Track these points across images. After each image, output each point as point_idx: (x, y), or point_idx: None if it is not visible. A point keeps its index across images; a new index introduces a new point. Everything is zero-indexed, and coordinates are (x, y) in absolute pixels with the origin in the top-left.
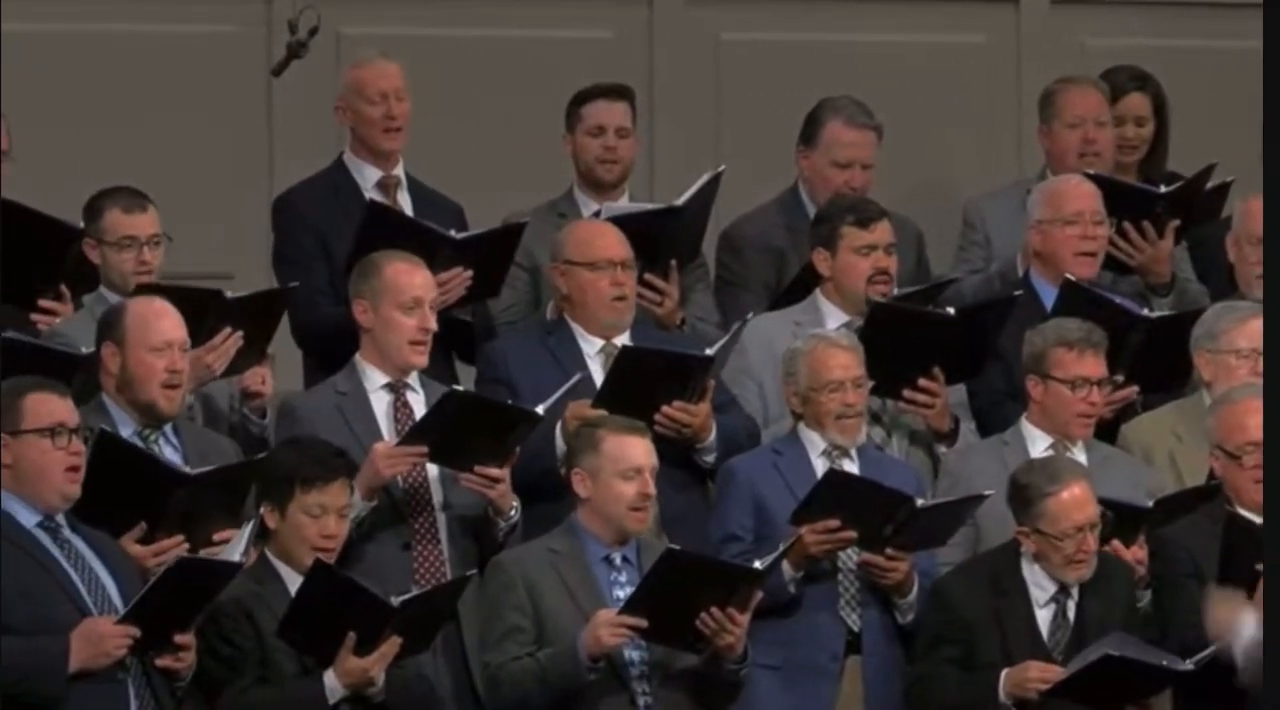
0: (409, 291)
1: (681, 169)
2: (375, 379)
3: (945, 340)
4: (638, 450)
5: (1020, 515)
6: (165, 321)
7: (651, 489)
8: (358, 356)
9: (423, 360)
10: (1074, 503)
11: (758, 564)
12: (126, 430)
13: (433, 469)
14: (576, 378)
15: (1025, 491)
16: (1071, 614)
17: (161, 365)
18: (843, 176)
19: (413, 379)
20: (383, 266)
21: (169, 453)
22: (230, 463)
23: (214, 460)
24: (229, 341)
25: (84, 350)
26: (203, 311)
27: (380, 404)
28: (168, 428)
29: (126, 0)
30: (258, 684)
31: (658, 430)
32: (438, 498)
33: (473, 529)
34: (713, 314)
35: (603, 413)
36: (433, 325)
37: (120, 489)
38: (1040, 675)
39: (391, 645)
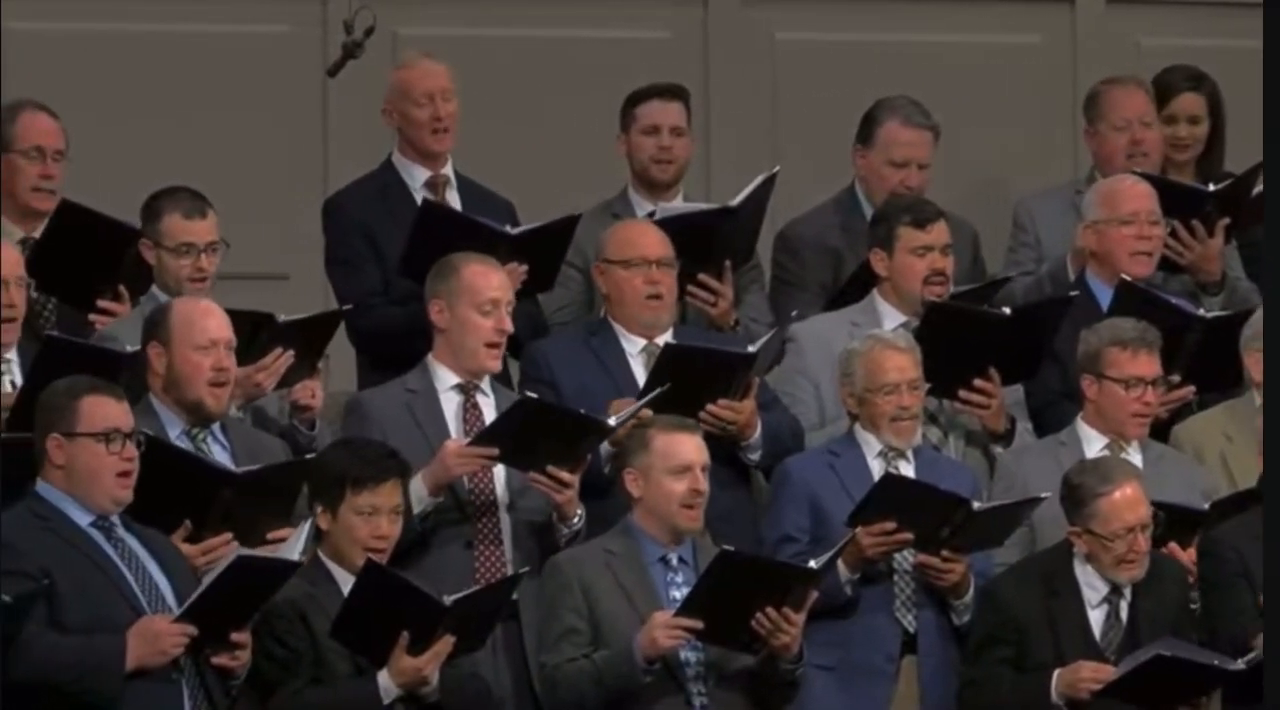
0: (485, 293)
1: (737, 169)
2: (446, 379)
3: (1001, 341)
4: (688, 447)
5: (1072, 515)
6: (211, 320)
7: (703, 485)
8: (430, 356)
9: (496, 364)
10: (1126, 503)
11: (813, 564)
12: (174, 430)
13: (499, 471)
14: (656, 391)
15: (1077, 492)
16: (1124, 614)
17: (208, 364)
18: (899, 176)
19: (484, 381)
20: (460, 268)
21: (217, 452)
22: (277, 462)
23: (263, 460)
24: (279, 361)
25: (129, 349)
26: (255, 332)
27: (450, 405)
28: (216, 427)
29: (183, 1)
30: (311, 685)
31: (702, 427)
32: (503, 499)
33: (537, 532)
34: (766, 315)
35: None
36: (509, 327)
37: (168, 490)
38: (1093, 675)
39: (445, 644)
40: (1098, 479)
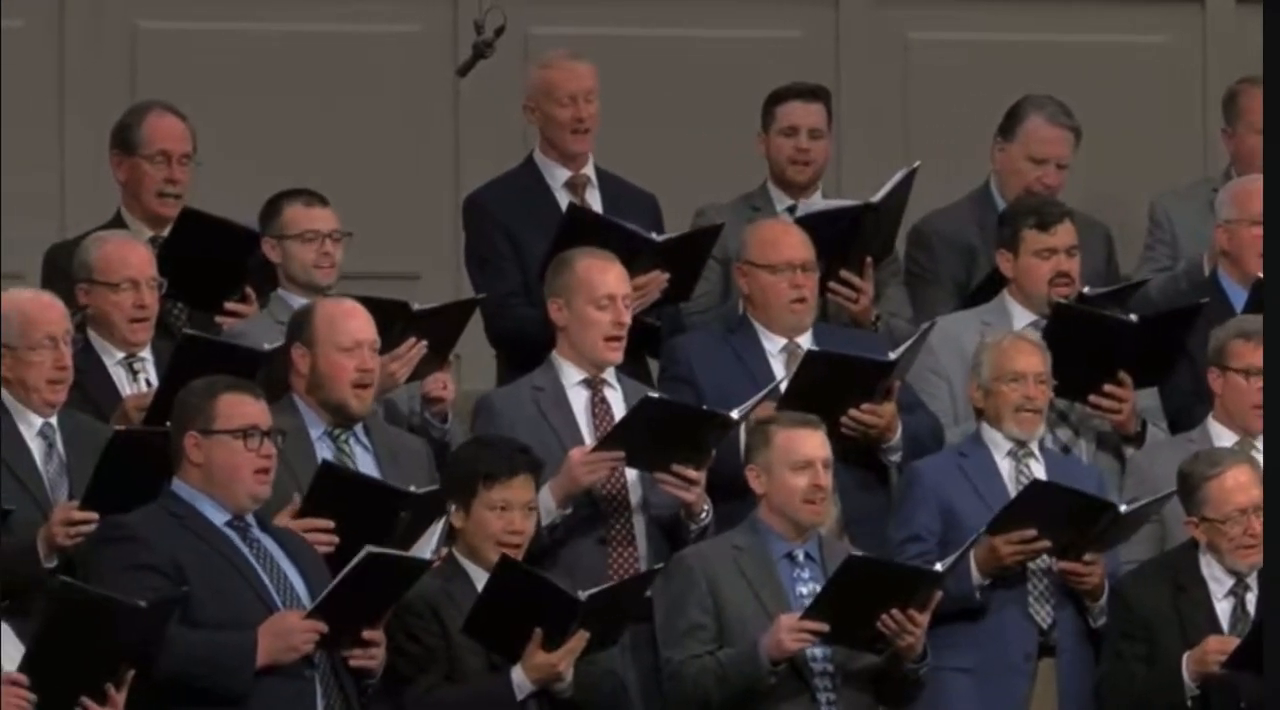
0: (602, 288)
1: (869, 169)
2: (572, 375)
3: (1130, 345)
4: (808, 443)
5: (1188, 505)
6: (354, 321)
7: (824, 480)
8: (554, 353)
9: (617, 356)
10: (1236, 485)
11: (938, 567)
12: (316, 431)
13: (631, 471)
14: (770, 387)
15: (1189, 480)
16: (1251, 606)
17: (352, 365)
18: (1036, 173)
19: (609, 375)
20: (575, 264)
21: (360, 453)
22: (424, 464)
23: (404, 460)
24: (414, 351)
25: (267, 347)
26: (389, 321)
27: (578, 400)
28: (358, 428)
29: (314, 1)
30: (445, 681)
31: (845, 432)
32: (636, 497)
33: (667, 529)
34: (906, 309)
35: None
36: (627, 320)
37: (349, 514)
38: (1218, 647)
39: (579, 640)
40: (1207, 464)
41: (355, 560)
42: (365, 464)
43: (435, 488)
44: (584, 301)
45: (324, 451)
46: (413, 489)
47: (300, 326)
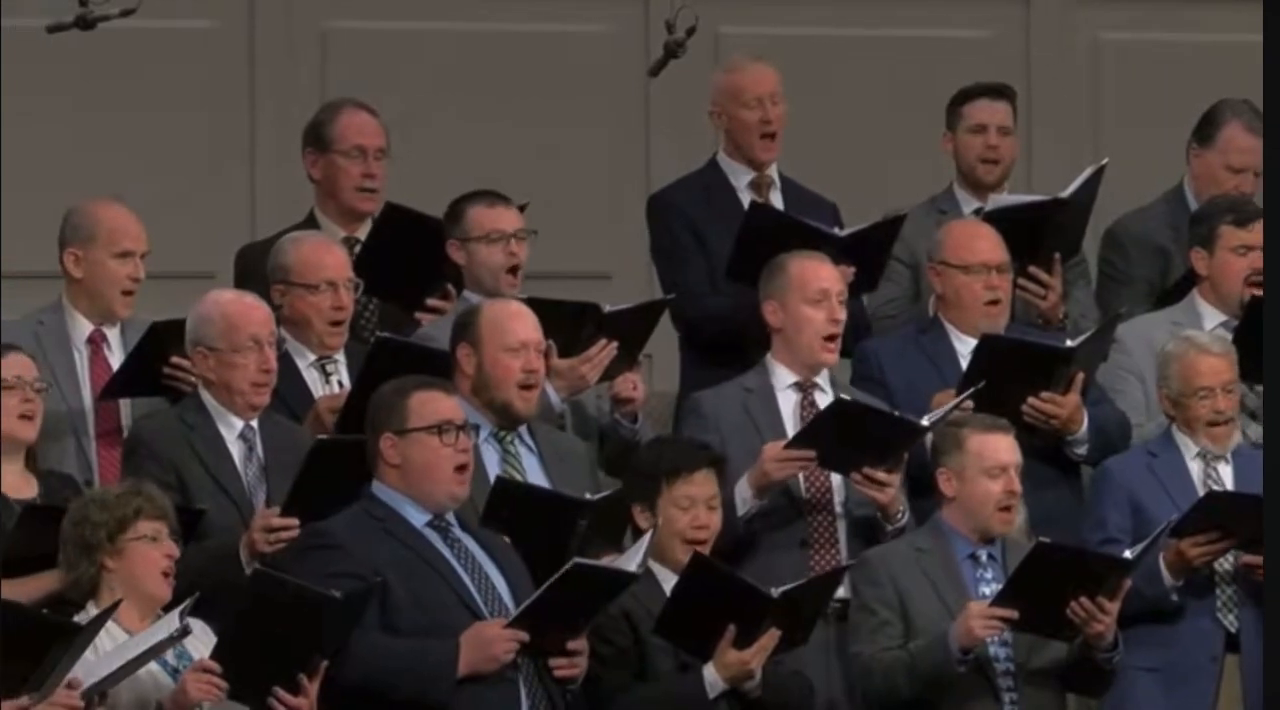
0: (815, 284)
1: (1059, 170)
2: (784, 378)
3: None
4: (1002, 447)
5: None
6: (520, 322)
7: (1017, 486)
8: (769, 356)
9: (833, 358)
10: None
11: (1127, 554)
12: (482, 433)
13: (836, 473)
14: (969, 393)
15: None
16: None
17: (517, 366)
18: (1234, 181)
19: (822, 379)
20: (788, 264)
21: (525, 454)
22: (587, 466)
23: (570, 462)
24: (604, 352)
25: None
26: (580, 323)
27: (787, 403)
28: (523, 430)
29: (505, 0)
30: (636, 682)
31: (1026, 420)
32: (839, 498)
33: (868, 531)
34: (1092, 311)
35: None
36: (842, 316)
37: (526, 525)
38: None
39: (771, 637)
40: None
41: (561, 571)
42: (531, 466)
43: (608, 493)
44: (798, 300)
45: (490, 454)
46: (588, 496)
47: (466, 327)
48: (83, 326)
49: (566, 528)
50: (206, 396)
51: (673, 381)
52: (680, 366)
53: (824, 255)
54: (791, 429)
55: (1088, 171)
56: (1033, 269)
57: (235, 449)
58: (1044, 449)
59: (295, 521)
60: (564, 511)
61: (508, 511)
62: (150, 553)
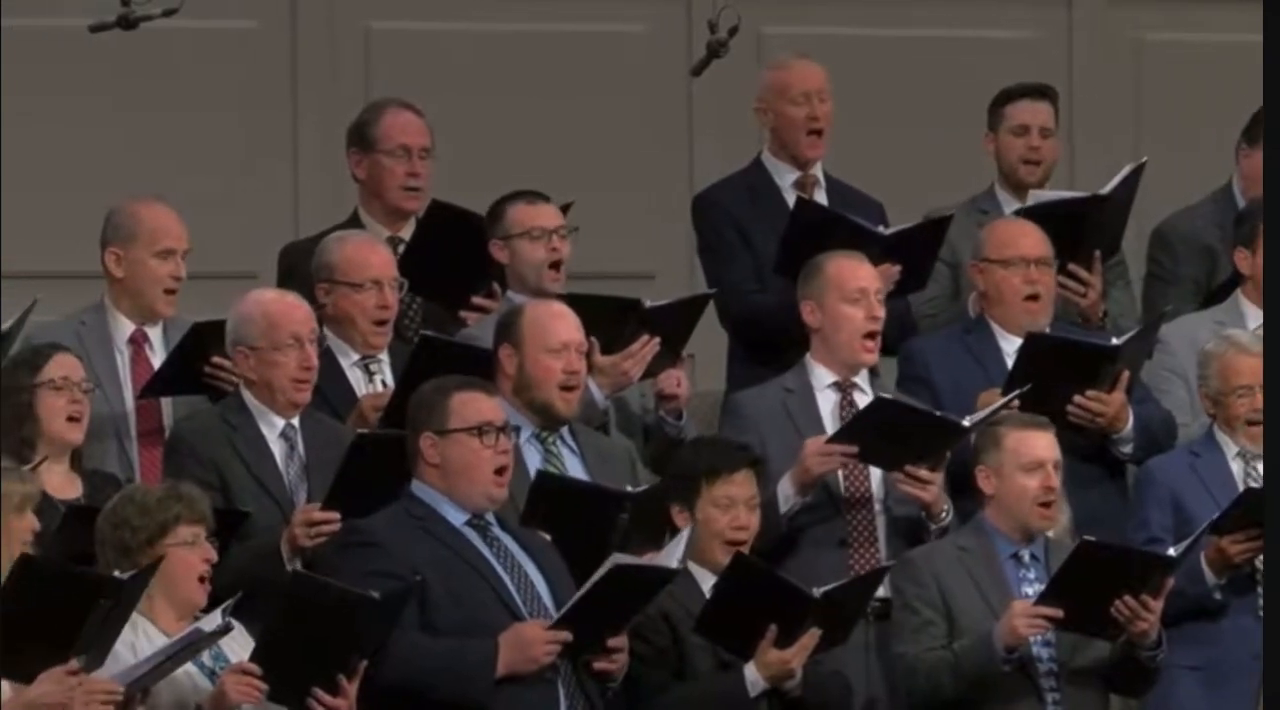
0: (853, 283)
1: (1101, 171)
2: (823, 378)
3: None
4: (1040, 444)
5: None
6: (562, 323)
7: (1055, 482)
8: (808, 356)
9: (872, 357)
10: None
11: (1171, 552)
12: (524, 433)
13: (876, 471)
14: (1017, 392)
15: None
16: None
17: (559, 367)
18: None
19: (861, 379)
20: (824, 264)
21: (567, 455)
22: (629, 467)
23: (612, 463)
24: (647, 348)
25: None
26: (622, 319)
27: (827, 403)
28: (564, 431)
29: (547, 0)
30: (676, 681)
31: (1071, 419)
32: (878, 496)
33: (908, 529)
34: (1132, 310)
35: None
36: (880, 314)
37: (567, 520)
38: None
39: (811, 636)
40: None
41: (602, 570)
42: (574, 467)
43: (648, 486)
44: (836, 299)
45: (532, 455)
46: (629, 489)
47: (508, 328)
48: (124, 326)
49: (607, 522)
50: (248, 396)
51: (717, 380)
52: (727, 365)
53: (861, 254)
54: (830, 429)
55: (1126, 169)
56: (1072, 266)
57: (277, 448)
58: (1089, 449)
59: (336, 515)
60: (604, 504)
61: (548, 506)
62: (188, 557)
